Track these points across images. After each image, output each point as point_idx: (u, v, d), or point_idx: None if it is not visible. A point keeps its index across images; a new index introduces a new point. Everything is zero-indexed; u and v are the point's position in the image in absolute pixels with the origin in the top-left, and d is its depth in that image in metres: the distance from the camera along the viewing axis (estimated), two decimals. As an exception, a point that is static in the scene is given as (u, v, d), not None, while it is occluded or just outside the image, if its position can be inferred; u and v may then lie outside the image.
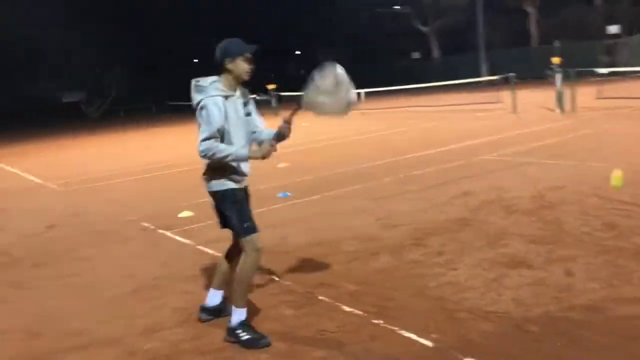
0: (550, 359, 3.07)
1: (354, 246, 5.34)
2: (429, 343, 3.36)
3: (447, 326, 3.53)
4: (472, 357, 3.14)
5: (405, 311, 3.82)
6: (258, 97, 27.51)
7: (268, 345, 3.52)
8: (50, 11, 39.82)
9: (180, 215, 7.27)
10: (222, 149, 3.46)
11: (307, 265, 4.96)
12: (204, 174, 3.67)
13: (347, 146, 12.93)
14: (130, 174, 11.89)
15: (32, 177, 13.03)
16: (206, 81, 3.55)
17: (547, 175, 7.44)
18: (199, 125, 3.50)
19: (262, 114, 3.92)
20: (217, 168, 3.60)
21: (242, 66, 3.55)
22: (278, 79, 27.31)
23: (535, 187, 6.81)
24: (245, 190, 3.75)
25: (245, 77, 3.60)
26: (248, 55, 3.57)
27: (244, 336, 3.56)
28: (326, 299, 4.13)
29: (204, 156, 3.47)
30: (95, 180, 11.45)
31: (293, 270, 4.85)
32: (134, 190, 9.98)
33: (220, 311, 3.99)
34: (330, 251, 5.24)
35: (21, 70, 44.01)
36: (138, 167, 12.92)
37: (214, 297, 3.98)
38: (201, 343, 3.68)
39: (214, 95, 3.48)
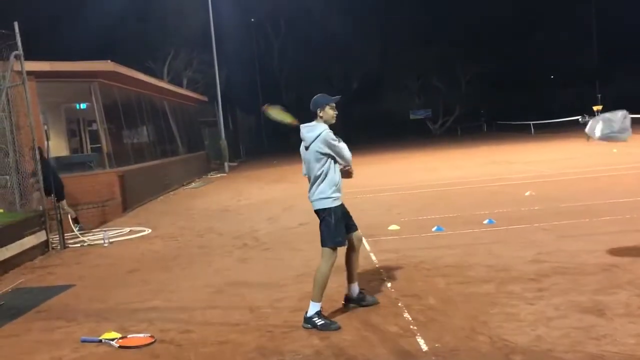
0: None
1: (480, 273, 5.93)
2: (425, 347, 4.11)
3: (456, 342, 4.17)
4: (440, 364, 3.82)
5: (438, 324, 4.54)
6: (581, 120, 26.25)
7: (338, 328, 4.59)
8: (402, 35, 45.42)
9: (389, 227, 8.65)
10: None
11: (421, 279, 5.85)
12: (309, 197, 4.92)
13: (612, 179, 12.10)
14: (396, 189, 13.66)
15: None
16: (311, 125, 4.80)
17: None
18: (322, 154, 4.72)
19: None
20: (324, 189, 4.81)
21: (329, 113, 4.78)
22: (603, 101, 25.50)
23: None
24: (342, 205, 4.90)
25: (333, 120, 4.79)
26: (333, 104, 4.75)
27: (319, 322, 4.62)
28: (400, 305, 5.07)
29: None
30: (370, 191, 13.51)
31: (407, 280, 5.82)
32: (382, 202, 11.67)
33: (359, 300, 5.08)
34: (458, 273, 5.96)
35: (383, 88, 50.83)
36: (406, 184, 14.59)
37: (351, 289, 5.14)
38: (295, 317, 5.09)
39: (325, 128, 4.75)
